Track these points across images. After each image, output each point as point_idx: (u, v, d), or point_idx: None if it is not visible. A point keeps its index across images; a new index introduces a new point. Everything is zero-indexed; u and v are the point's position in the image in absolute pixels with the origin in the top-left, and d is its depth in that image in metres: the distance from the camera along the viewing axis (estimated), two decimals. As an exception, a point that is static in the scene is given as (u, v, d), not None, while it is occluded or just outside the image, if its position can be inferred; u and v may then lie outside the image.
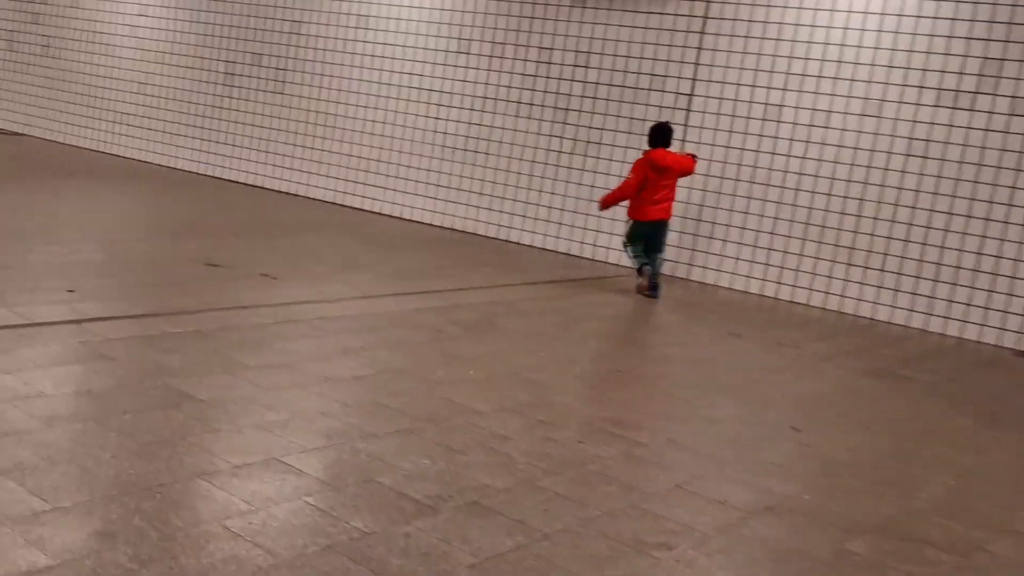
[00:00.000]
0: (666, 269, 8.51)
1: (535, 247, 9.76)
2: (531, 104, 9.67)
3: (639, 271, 8.17)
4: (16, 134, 13.59)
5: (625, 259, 8.63)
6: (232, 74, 11.67)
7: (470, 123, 10.12)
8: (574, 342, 6.44)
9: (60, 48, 13.23)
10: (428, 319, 6.39)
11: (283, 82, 11.30)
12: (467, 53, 10.06)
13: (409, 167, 10.51)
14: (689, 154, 8.22)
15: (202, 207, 10.02)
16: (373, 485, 3.65)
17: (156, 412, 4.09)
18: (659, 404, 5.46)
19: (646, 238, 8.05)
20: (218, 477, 3.54)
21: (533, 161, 9.72)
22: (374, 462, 3.88)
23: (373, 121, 10.71)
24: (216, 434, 3.97)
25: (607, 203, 8.18)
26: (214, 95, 11.85)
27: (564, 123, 9.51)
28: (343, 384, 4.85)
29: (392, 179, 10.64)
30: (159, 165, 12.32)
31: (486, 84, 10.00)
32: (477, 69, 10.04)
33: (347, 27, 10.81)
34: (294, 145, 11.29)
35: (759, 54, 8.44)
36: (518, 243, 9.83)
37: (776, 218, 8.47)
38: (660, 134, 7.93)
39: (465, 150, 10.14)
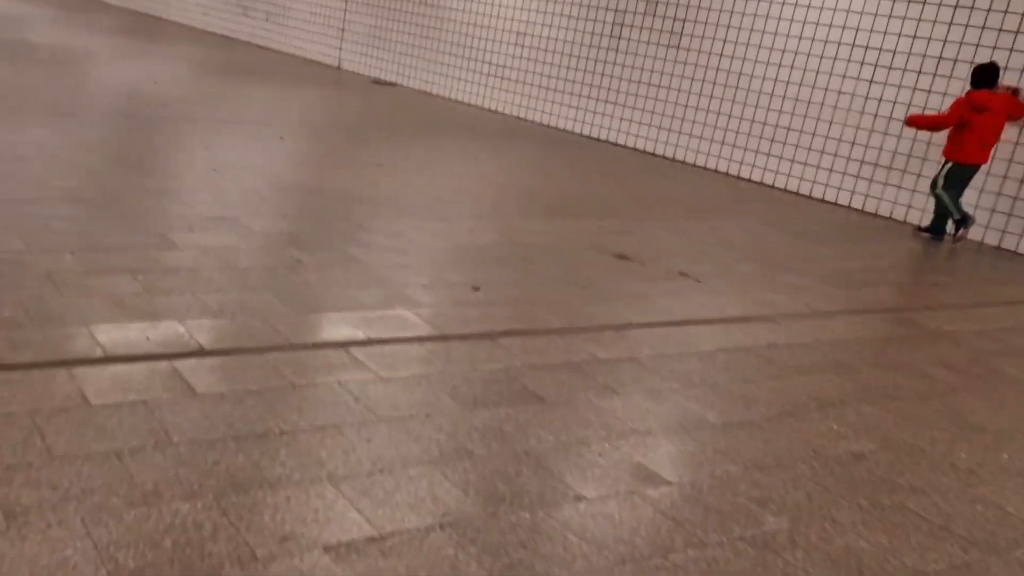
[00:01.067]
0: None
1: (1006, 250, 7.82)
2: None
3: (960, 223, 7.55)
4: (392, 84, 13.40)
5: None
6: (622, 24, 10.52)
7: (914, 88, 8.26)
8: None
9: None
10: (904, 355, 4.85)
11: (680, 34, 9.99)
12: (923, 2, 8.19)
13: (830, 138, 8.84)
14: (1011, 90, 7.56)
15: (592, 176, 8.99)
16: None
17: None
18: None
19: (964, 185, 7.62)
20: None
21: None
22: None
23: (786, 82, 9.13)
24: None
25: (915, 123, 7.69)
26: (600, 48, 10.78)
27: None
28: (837, 466, 3.48)
29: (805, 151, 9.03)
30: (537, 123, 11.52)
31: (939, 41, 8.08)
32: (926, 22, 8.14)
33: (762, -30, 9.27)
34: (688, 107, 9.98)
35: None
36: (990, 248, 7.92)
37: None
38: (984, 75, 7.41)
39: (901, 121, 8.31)
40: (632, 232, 6.66)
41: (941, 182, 7.60)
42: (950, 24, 8.02)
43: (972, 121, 7.34)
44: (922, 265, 7.24)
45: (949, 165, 7.58)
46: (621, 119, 10.60)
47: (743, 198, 8.75)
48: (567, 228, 6.60)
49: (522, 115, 11.72)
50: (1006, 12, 7.68)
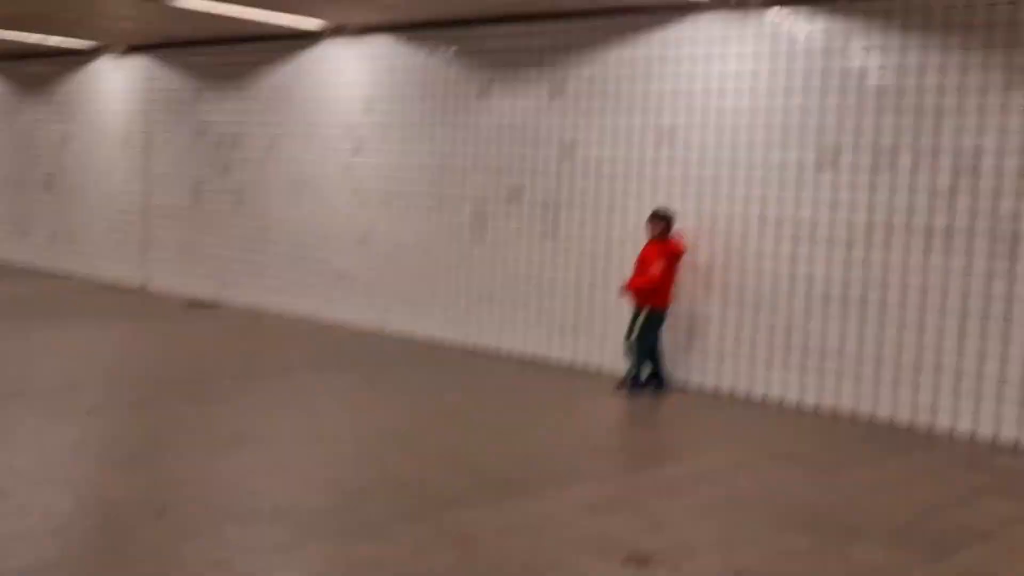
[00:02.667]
0: None
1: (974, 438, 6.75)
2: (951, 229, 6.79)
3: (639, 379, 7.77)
4: (211, 305, 11.43)
5: None
6: (484, 212, 9.25)
7: (845, 261, 7.28)
8: None
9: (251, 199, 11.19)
10: None
11: (554, 219, 8.79)
12: (833, 167, 7.30)
13: (761, 327, 7.71)
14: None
15: (510, 412, 7.40)
16: None
17: None
18: None
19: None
20: None
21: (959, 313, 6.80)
22: None
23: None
24: None
25: (637, 287, 7.68)
26: (463, 241, 9.43)
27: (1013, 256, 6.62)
28: None
29: (731, 345, 7.87)
30: (407, 337, 9.90)
31: (864, 206, 7.19)
32: (849, 190, 7.26)
33: (641, 146, 8.26)
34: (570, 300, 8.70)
35: None
36: (950, 432, 6.83)
37: None
38: (668, 220, 7.74)
39: (841, 297, 7.29)
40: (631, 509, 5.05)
41: (639, 332, 7.66)
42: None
43: (671, 269, 7.73)
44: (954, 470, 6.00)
45: (645, 312, 7.67)
46: (503, 321, 9.17)
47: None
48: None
49: (385, 327, 10.08)
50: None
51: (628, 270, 8.19)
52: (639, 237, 8.11)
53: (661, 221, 7.72)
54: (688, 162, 7.99)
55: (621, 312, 8.19)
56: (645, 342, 7.74)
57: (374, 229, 10.06)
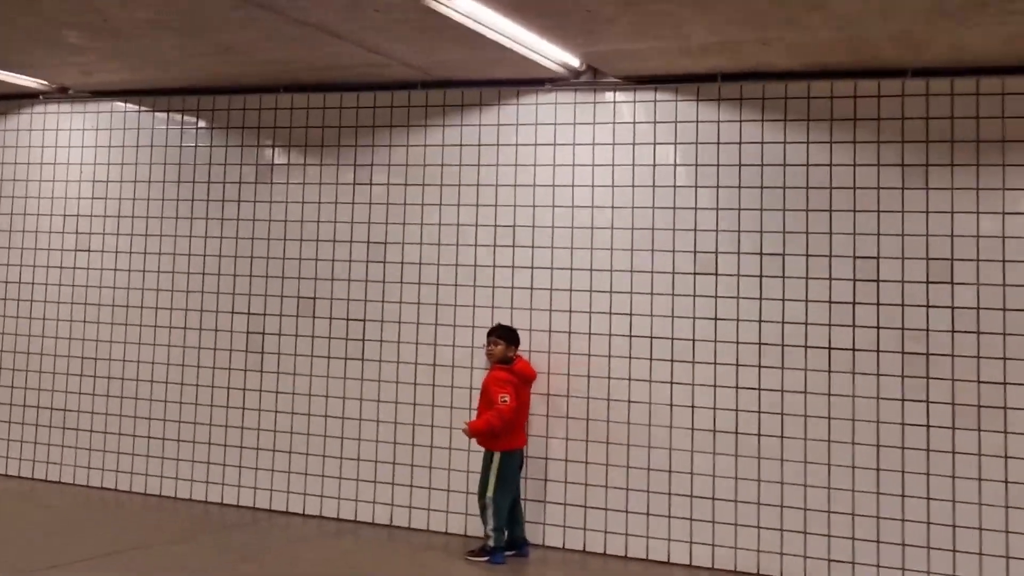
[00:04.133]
0: None
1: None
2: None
3: (490, 549, 6.00)
4: None
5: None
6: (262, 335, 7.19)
7: (734, 387, 6.00)
8: None
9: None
10: None
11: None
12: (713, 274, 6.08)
13: (614, 470, 6.20)
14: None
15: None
16: None
17: None
18: None
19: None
20: None
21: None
22: None
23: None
24: None
25: (484, 429, 6.00)
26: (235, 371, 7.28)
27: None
28: None
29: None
30: (150, 496, 7.46)
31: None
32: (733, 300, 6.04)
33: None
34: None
35: None
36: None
37: None
38: (515, 335, 6.24)
39: (732, 431, 5.98)
40: None
41: (494, 485, 5.99)
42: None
43: (521, 397, 6.10)
44: None
45: (498, 457, 6.01)
46: (299, 475, 7.03)
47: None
48: None
49: (111, 484, 7.57)
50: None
51: (463, 402, 6.47)
52: (476, 360, 6.45)
53: (502, 340, 6.15)
54: (536, 267, 6.48)
55: (459, 454, 6.42)
56: (504, 494, 6.03)
57: (106, 353, 7.65)
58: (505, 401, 5.91)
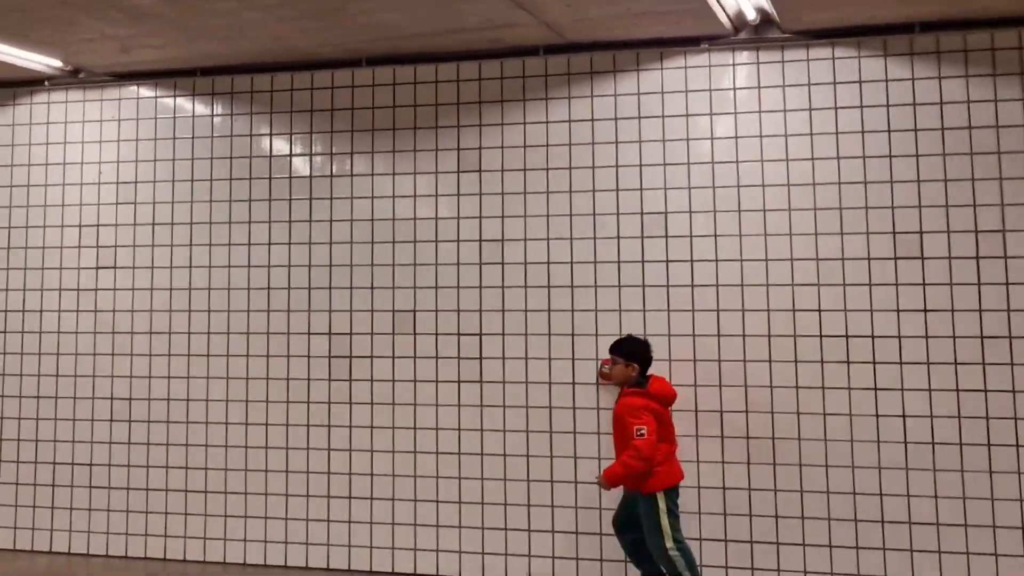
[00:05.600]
0: None
1: None
2: None
3: None
4: None
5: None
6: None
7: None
8: None
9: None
10: None
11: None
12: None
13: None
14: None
15: None
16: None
17: None
18: None
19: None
20: None
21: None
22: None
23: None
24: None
25: (624, 475, 4.86)
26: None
27: None
28: None
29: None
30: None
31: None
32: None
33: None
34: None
35: None
36: None
37: None
38: (646, 352, 5.08)
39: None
40: None
41: (669, 530, 4.84)
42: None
43: (665, 423, 4.96)
44: None
45: (661, 499, 4.87)
46: (421, 530, 5.81)
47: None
48: None
49: (177, 555, 6.20)
50: None
51: (596, 429, 5.40)
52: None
53: (631, 358, 5.03)
54: (696, 260, 5.45)
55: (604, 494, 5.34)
56: (677, 540, 4.88)
57: (143, 392, 6.28)
58: (643, 435, 4.78)
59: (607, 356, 5.19)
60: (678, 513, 4.94)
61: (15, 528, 6.39)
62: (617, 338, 5.23)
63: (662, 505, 4.87)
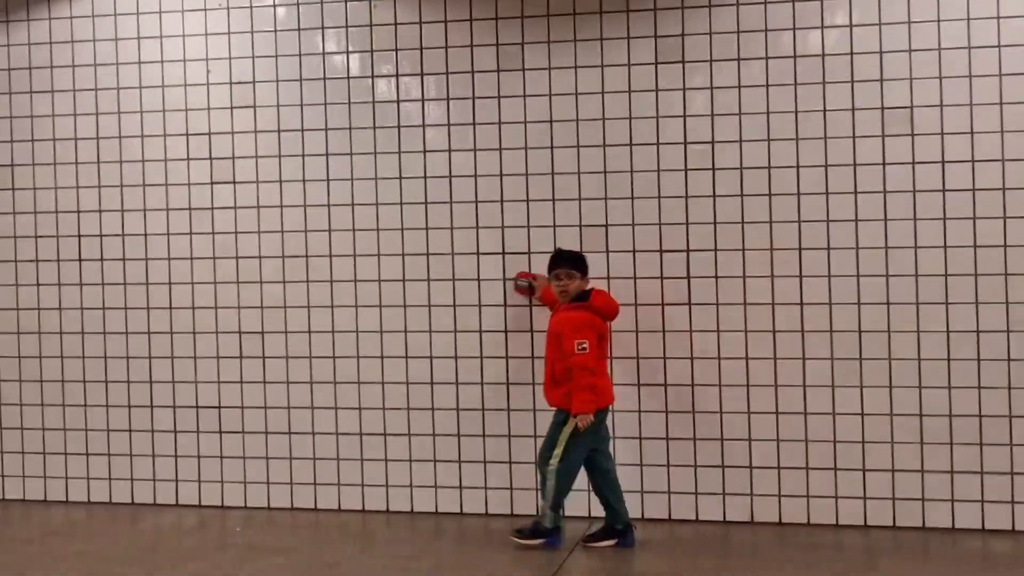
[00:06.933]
0: None
1: None
2: None
3: (545, 530, 4.75)
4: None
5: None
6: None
7: None
8: None
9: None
10: None
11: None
12: None
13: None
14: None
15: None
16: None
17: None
18: None
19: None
20: None
21: None
22: None
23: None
24: None
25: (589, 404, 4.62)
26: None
27: None
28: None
29: None
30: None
31: None
32: None
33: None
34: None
35: None
36: None
37: None
38: (582, 262, 4.81)
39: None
40: None
41: (562, 448, 4.67)
42: None
43: (603, 340, 4.77)
44: None
45: (575, 420, 4.63)
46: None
47: None
48: None
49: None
50: None
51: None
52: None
53: (577, 272, 4.74)
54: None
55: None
56: (573, 464, 4.72)
57: (279, 322, 5.51)
58: (584, 349, 4.56)
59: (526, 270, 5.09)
60: (585, 437, 4.64)
61: (155, 481, 5.66)
62: (563, 249, 4.86)
63: (569, 426, 4.63)
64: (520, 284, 5.13)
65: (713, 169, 4.99)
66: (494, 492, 5.28)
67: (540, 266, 5.02)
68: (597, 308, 4.69)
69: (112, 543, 5.05)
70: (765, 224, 4.93)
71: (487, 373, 5.26)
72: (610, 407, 4.78)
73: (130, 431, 5.68)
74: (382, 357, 5.37)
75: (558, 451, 4.65)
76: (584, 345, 4.56)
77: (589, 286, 4.76)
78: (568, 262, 4.71)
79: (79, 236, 5.68)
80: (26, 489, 5.81)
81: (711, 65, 4.98)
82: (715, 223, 4.99)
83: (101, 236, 5.67)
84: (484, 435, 5.28)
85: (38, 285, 5.75)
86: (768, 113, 4.93)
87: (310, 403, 5.47)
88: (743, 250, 4.96)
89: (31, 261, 5.77)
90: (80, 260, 5.69)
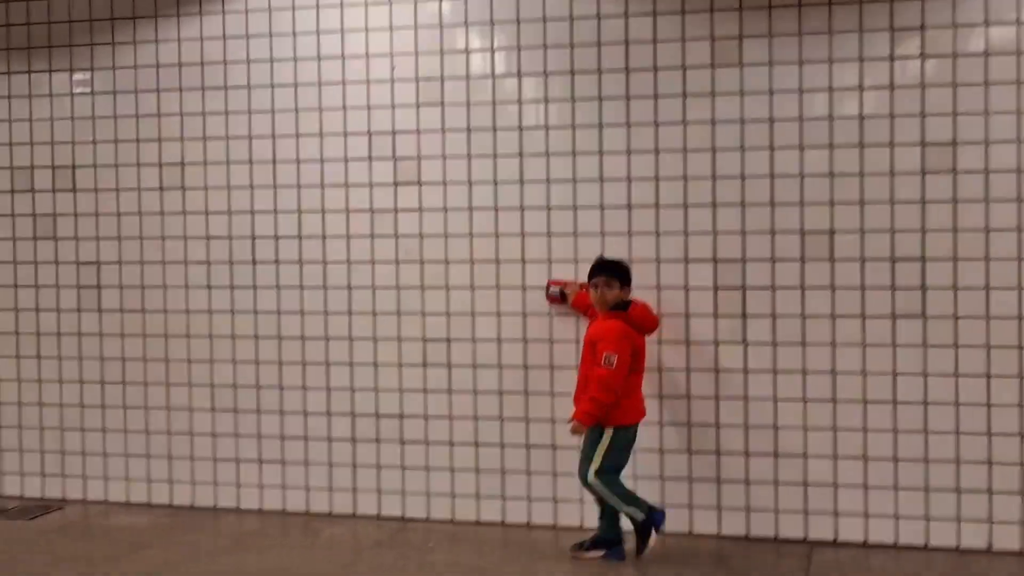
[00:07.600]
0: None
1: None
2: None
3: (646, 524, 4.58)
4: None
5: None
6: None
7: None
8: None
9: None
10: None
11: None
12: None
13: None
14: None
15: None
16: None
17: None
18: None
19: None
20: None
21: None
22: None
23: None
24: None
25: (595, 410, 4.50)
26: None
27: None
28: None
29: None
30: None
31: None
32: None
33: None
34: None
35: None
36: None
37: None
38: (627, 274, 4.69)
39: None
40: None
41: (599, 462, 4.56)
42: None
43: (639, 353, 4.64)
44: None
45: (609, 434, 4.55)
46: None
47: None
48: None
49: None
50: None
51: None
52: None
53: (616, 281, 4.64)
54: None
55: None
56: (600, 474, 4.58)
57: (467, 329, 5.25)
58: (611, 364, 4.43)
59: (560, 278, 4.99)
60: (622, 452, 4.59)
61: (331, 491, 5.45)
62: (604, 258, 4.73)
63: (606, 440, 4.54)
64: (552, 292, 4.97)
65: (954, 172, 4.62)
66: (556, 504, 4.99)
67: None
68: (633, 319, 4.56)
69: (304, 557, 4.83)
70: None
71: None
72: (637, 425, 4.67)
73: (305, 438, 5.47)
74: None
75: (596, 464, 4.54)
76: (612, 360, 4.44)
77: (631, 296, 4.66)
78: (606, 271, 4.61)
79: (275, 238, 5.48)
80: (195, 496, 5.63)
81: (954, 60, 4.61)
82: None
83: (300, 238, 5.45)
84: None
85: (208, 288, 5.55)
86: (1020, 112, 4.56)
87: (498, 414, 5.21)
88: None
89: (202, 263, 5.57)
90: (269, 263, 5.48)
